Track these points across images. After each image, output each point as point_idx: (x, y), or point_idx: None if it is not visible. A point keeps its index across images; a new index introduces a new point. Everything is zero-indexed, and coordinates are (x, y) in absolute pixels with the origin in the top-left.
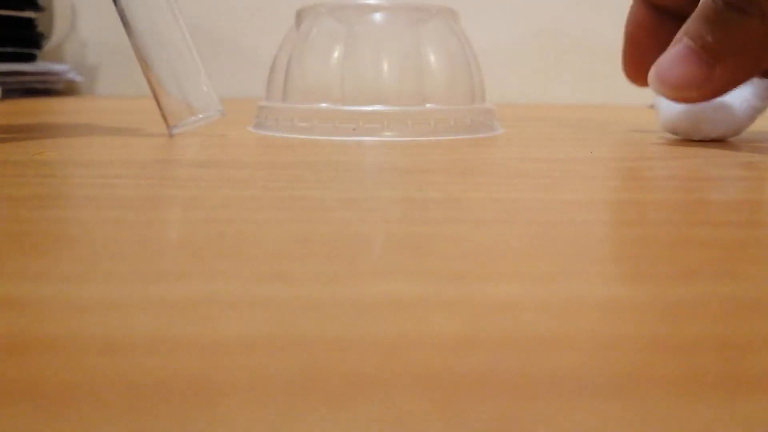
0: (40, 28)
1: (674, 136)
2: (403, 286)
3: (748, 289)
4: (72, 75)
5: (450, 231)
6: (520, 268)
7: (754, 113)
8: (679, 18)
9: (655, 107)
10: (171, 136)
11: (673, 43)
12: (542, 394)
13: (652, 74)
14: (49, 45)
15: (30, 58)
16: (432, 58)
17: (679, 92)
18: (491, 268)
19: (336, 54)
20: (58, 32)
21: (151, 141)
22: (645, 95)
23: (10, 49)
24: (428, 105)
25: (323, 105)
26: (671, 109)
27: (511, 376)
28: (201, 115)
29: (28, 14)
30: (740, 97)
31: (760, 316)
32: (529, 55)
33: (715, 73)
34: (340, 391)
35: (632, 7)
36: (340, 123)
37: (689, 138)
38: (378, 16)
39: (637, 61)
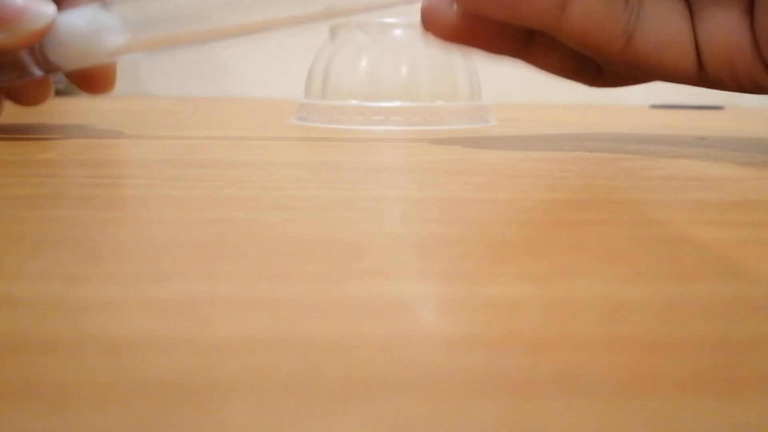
0: None
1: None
2: (403, 286)
3: (748, 289)
4: None
5: (450, 231)
6: (520, 268)
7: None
8: None
9: None
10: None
11: None
12: (542, 394)
13: None
14: None
15: None
16: (440, 63)
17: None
18: (491, 268)
19: (364, 62)
20: None
21: (151, 141)
22: (645, 95)
23: None
24: (439, 102)
25: (353, 102)
26: None
27: (511, 376)
28: None
29: None
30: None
31: (760, 316)
32: None
33: None
34: (340, 391)
35: None
36: (370, 115)
37: None
38: (397, 32)
39: None
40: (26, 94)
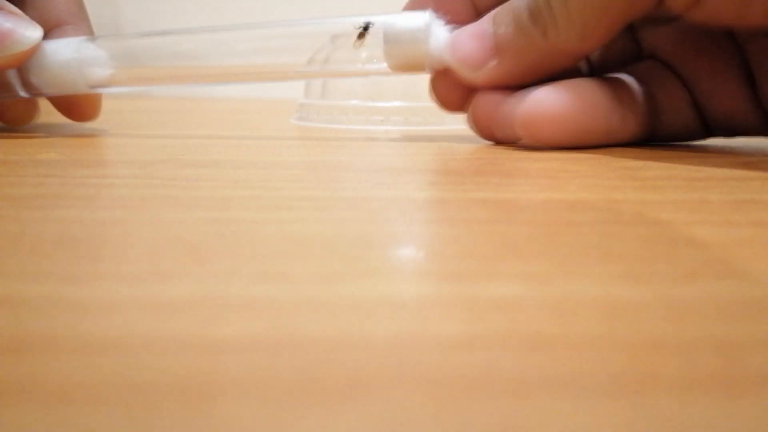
0: None
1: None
2: (403, 286)
3: (748, 289)
4: None
5: (449, 231)
6: (520, 268)
7: None
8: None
9: None
10: None
11: (481, 19)
12: (542, 394)
13: (449, 40)
14: None
15: None
16: None
17: (460, 66)
18: (491, 268)
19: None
20: None
21: (152, 141)
22: None
23: None
24: None
25: (353, 102)
26: None
27: (511, 376)
28: None
29: None
30: None
31: (760, 316)
32: None
33: (489, 63)
34: (340, 391)
35: None
36: (370, 115)
37: None
38: None
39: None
40: (10, 112)
